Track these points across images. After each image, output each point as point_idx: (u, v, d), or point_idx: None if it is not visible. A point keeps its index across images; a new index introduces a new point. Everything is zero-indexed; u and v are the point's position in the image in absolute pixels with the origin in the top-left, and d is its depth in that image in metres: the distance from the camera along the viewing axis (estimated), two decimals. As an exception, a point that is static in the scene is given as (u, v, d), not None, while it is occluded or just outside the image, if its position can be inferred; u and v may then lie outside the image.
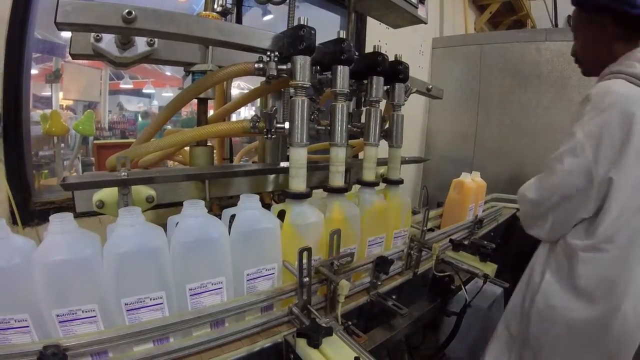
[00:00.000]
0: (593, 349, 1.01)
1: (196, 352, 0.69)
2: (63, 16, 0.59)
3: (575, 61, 1.18)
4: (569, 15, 1.21)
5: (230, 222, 0.79)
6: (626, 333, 0.98)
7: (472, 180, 1.60)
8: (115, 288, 0.64)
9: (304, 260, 0.76)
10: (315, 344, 0.67)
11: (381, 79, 1.03)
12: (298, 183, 0.86)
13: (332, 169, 0.94)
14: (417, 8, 1.37)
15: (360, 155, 1.52)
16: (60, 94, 4.13)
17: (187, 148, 1.19)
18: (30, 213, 1.27)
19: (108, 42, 0.86)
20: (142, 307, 0.67)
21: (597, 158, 0.94)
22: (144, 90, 6.18)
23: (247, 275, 0.79)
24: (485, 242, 1.36)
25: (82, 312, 0.62)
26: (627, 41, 1.02)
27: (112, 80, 5.60)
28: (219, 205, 1.13)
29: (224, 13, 1.19)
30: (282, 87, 1.12)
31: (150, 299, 0.67)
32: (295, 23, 0.82)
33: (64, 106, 4.36)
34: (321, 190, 1.01)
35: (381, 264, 0.96)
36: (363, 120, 1.13)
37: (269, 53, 0.84)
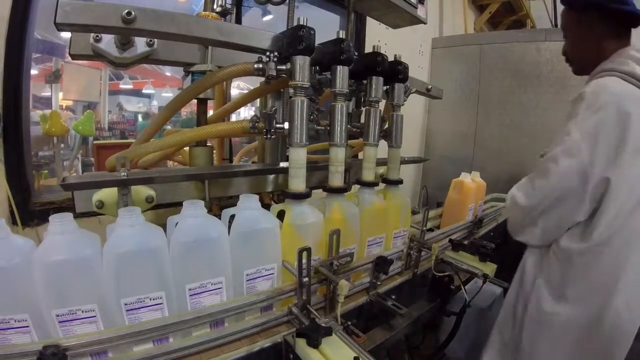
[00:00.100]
0: (588, 349, 1.00)
1: (196, 352, 0.69)
2: (63, 17, 0.60)
3: (565, 60, 1.18)
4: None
5: (230, 222, 0.79)
6: (618, 328, 0.97)
7: (471, 180, 1.60)
8: (115, 288, 0.64)
9: (304, 260, 0.76)
10: (314, 344, 0.67)
11: (380, 79, 1.03)
12: (297, 183, 0.87)
13: (332, 169, 0.94)
14: (416, 8, 1.37)
15: (360, 155, 1.53)
16: (60, 94, 4.14)
17: (186, 148, 1.20)
18: (30, 213, 1.27)
19: (108, 42, 0.86)
20: (141, 307, 0.67)
21: (593, 158, 0.93)
22: (143, 91, 6.19)
23: (247, 275, 0.79)
24: (485, 242, 1.36)
25: (82, 312, 0.62)
26: (618, 39, 1.02)
27: (112, 81, 5.60)
28: (218, 205, 1.13)
29: (224, 13, 1.19)
30: (281, 87, 1.13)
31: (150, 299, 0.67)
32: (295, 23, 0.82)
33: (64, 106, 4.37)
34: (321, 190, 1.01)
35: (381, 264, 0.96)
36: (362, 120, 1.13)
37: (268, 53, 0.84)
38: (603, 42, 1.03)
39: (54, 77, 3.74)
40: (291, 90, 0.85)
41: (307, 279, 0.78)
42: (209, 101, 1.17)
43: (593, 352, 1.00)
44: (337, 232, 0.86)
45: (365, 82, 1.04)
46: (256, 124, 0.92)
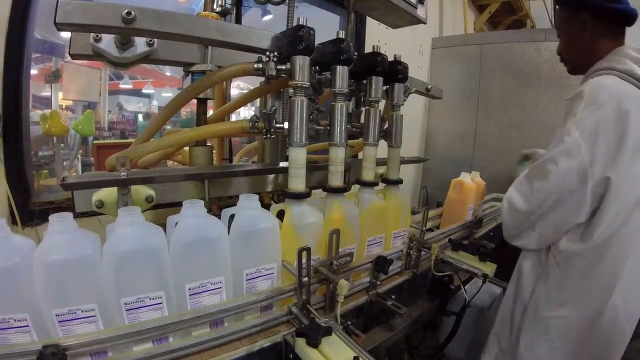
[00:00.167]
0: (586, 349, 0.99)
1: (195, 352, 0.69)
2: (63, 16, 0.60)
3: (560, 60, 1.17)
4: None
5: (230, 222, 0.79)
6: (616, 327, 0.96)
7: (471, 180, 1.60)
8: (114, 288, 0.64)
9: (303, 260, 0.77)
10: (314, 343, 0.67)
11: (380, 79, 1.03)
12: (297, 183, 0.87)
13: (332, 168, 0.94)
14: (416, 8, 1.37)
15: (360, 155, 1.53)
16: (60, 94, 4.13)
17: (186, 148, 1.20)
18: (30, 213, 1.27)
19: (107, 42, 0.86)
20: (141, 307, 0.67)
21: (593, 158, 0.91)
22: (143, 91, 6.19)
23: (247, 275, 0.79)
24: (485, 242, 1.36)
25: (82, 311, 0.62)
26: (612, 38, 1.01)
27: (112, 81, 5.60)
28: (218, 205, 1.13)
29: (224, 13, 1.19)
30: (281, 87, 1.13)
31: (150, 299, 0.67)
32: (295, 23, 0.82)
33: (64, 106, 4.37)
34: (320, 190, 1.01)
35: (380, 264, 0.96)
36: (362, 120, 1.13)
37: (268, 53, 0.84)
38: (597, 41, 1.02)
39: (53, 77, 3.75)
40: (291, 90, 0.85)
41: (306, 278, 0.78)
42: (208, 101, 1.17)
43: (591, 351, 0.99)
44: (337, 232, 0.86)
45: (365, 82, 1.04)
46: (256, 124, 0.92)
